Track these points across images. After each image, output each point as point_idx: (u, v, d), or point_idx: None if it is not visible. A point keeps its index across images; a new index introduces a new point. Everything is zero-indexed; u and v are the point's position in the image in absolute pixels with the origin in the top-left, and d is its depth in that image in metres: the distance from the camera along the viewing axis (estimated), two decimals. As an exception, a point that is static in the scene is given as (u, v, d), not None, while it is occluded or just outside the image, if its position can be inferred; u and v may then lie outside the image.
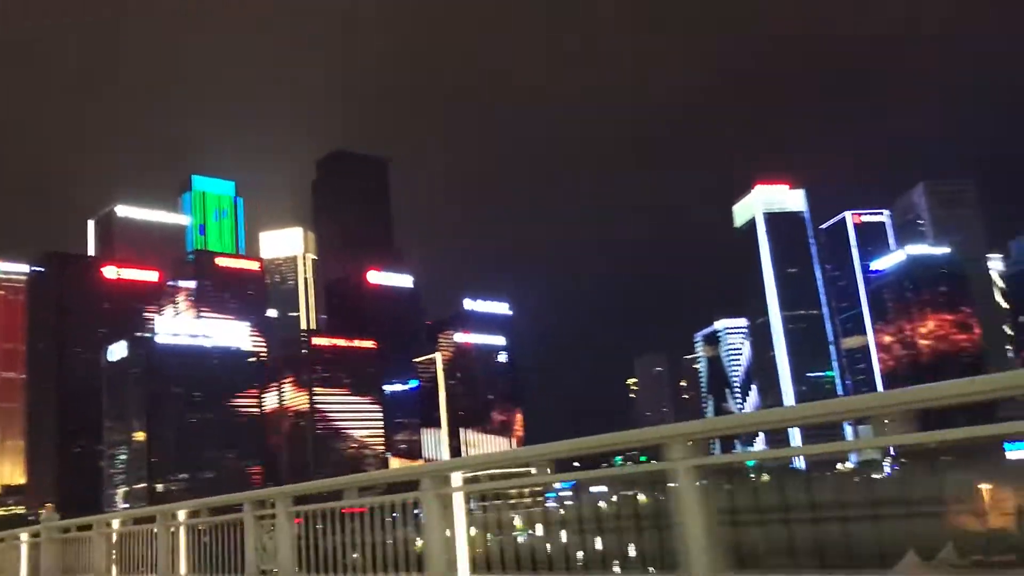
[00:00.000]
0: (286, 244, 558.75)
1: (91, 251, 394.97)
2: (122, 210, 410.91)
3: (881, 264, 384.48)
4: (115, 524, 23.69)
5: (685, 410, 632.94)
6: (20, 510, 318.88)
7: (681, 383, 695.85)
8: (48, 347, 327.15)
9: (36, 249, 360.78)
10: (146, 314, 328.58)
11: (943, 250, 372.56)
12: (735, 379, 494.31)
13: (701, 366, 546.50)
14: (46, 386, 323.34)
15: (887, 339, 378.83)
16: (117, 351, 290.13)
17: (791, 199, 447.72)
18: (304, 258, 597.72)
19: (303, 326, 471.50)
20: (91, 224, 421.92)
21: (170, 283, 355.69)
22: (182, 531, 19.26)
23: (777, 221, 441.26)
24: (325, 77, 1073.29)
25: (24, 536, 28.10)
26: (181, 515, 19.59)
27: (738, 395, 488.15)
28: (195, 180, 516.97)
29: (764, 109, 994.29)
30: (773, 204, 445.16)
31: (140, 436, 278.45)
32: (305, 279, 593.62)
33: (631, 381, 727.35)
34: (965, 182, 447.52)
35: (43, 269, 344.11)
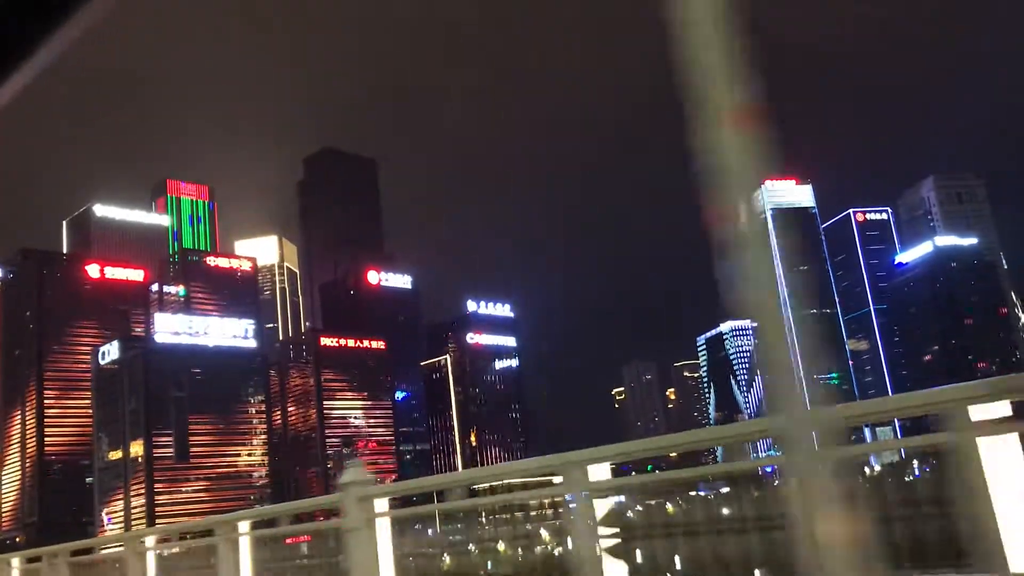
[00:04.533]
0: (261, 253, 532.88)
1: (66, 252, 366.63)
2: (100, 209, 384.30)
3: (907, 257, 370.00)
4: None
5: (674, 418, 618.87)
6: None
7: (668, 392, 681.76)
8: (25, 353, 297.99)
9: (7, 249, 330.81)
10: (134, 316, 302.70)
11: (971, 241, 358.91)
12: (742, 383, 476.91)
13: (703, 371, 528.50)
14: (23, 395, 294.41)
15: (915, 336, 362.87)
16: (109, 353, 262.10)
17: (799, 194, 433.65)
18: (281, 267, 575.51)
19: (280, 337, 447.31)
20: (65, 224, 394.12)
21: (156, 284, 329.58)
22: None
23: (786, 217, 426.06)
24: (304, 82, 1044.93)
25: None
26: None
27: (746, 398, 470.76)
28: (169, 184, 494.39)
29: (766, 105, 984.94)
30: (781, 199, 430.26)
31: (138, 445, 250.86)
32: (282, 288, 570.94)
33: (616, 390, 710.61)
34: (975, 178, 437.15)
35: (16, 270, 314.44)
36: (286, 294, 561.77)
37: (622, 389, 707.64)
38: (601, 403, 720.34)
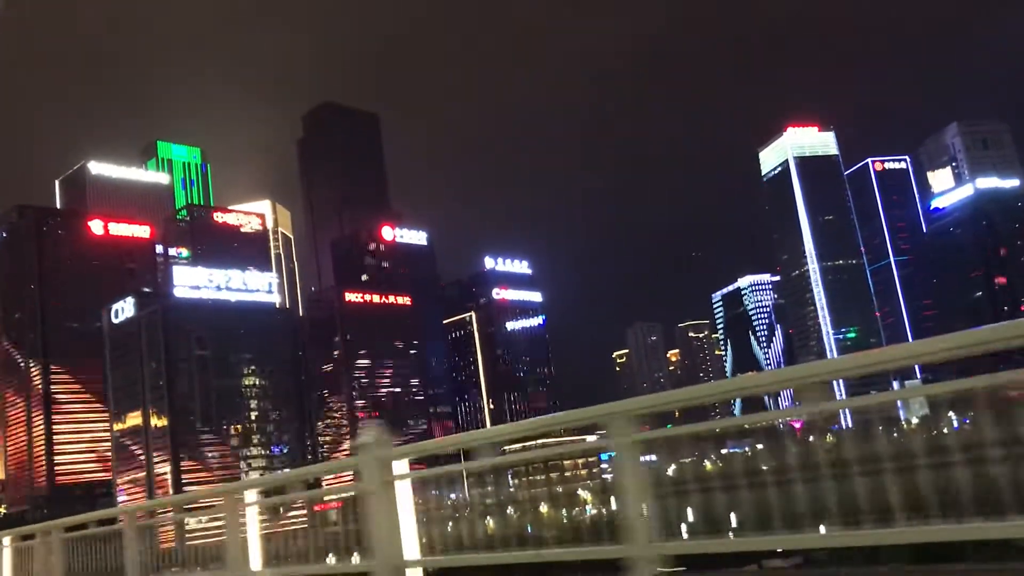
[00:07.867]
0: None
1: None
2: (96, 167, 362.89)
3: (944, 201, 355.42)
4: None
5: (681, 380, 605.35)
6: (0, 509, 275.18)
7: (670, 354, 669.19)
8: (27, 315, 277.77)
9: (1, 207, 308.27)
10: (142, 274, 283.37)
11: (1013, 183, 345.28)
12: (762, 338, 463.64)
13: (720, 329, 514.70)
14: (26, 360, 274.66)
15: (953, 282, 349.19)
16: (123, 310, 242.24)
17: (822, 142, 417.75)
18: (276, 232, 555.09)
19: (277, 303, 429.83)
20: (57, 184, 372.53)
21: (161, 243, 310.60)
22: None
23: (810, 165, 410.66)
24: (305, 42, 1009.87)
25: None
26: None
27: (766, 352, 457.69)
28: (160, 146, 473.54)
29: (781, 54, 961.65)
30: (804, 147, 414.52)
31: (158, 409, 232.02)
32: (277, 255, 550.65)
33: (619, 353, 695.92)
34: (1001, 123, 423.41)
35: (12, 228, 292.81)
36: (281, 260, 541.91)
37: (625, 352, 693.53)
38: (602, 367, 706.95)
